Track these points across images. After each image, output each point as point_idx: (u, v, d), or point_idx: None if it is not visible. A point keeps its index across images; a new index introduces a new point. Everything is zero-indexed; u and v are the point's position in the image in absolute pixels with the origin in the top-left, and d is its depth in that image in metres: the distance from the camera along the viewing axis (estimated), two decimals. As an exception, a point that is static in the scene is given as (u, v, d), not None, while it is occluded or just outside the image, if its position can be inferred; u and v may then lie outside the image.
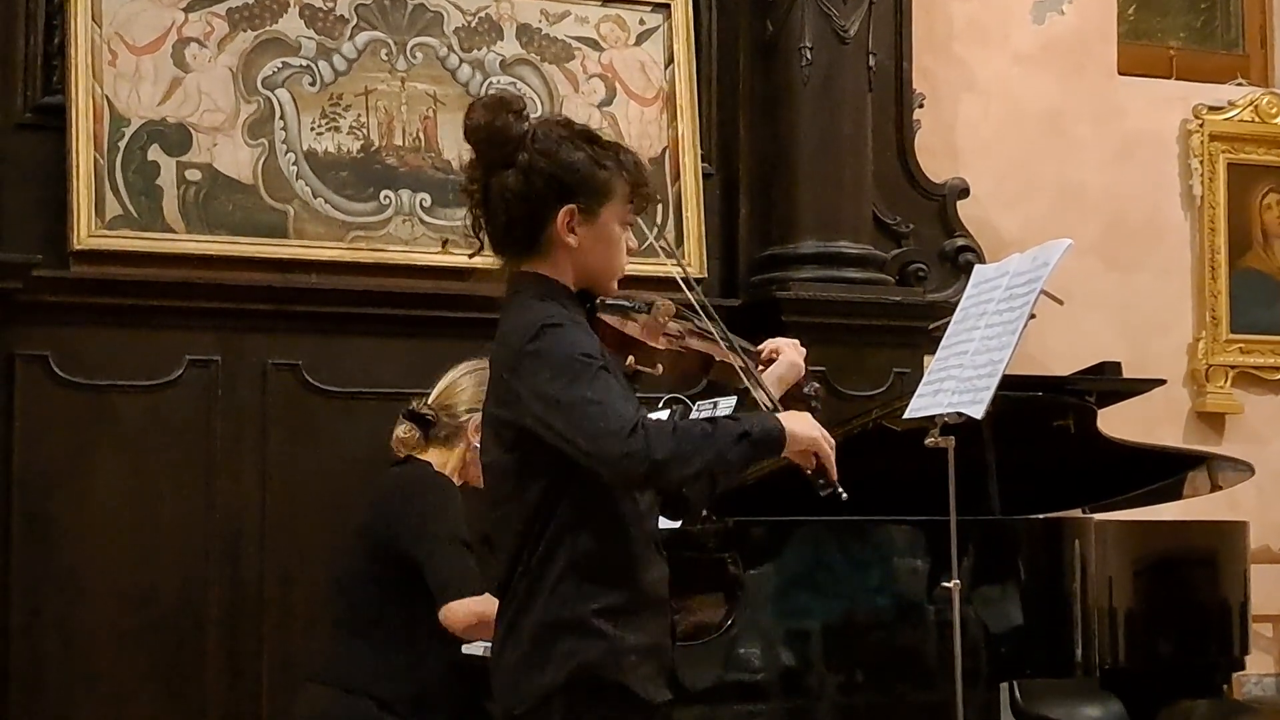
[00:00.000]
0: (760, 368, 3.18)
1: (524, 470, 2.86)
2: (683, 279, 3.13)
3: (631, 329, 2.98)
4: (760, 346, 3.24)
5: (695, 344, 3.10)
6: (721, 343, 3.09)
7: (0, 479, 5.27)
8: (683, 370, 3.10)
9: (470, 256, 3.02)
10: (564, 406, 2.75)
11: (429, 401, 4.08)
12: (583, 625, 2.80)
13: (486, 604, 3.72)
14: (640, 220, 3.05)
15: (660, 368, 3.01)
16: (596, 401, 2.74)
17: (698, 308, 3.11)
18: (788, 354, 3.19)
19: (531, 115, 2.94)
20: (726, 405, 4.24)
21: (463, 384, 4.10)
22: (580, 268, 2.91)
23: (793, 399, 3.24)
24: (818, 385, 3.31)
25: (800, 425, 2.88)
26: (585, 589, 2.82)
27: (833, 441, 2.93)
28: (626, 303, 3.01)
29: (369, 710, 3.80)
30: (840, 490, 2.96)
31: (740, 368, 3.10)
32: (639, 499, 2.93)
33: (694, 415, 4.27)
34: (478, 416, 4.00)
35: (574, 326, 2.85)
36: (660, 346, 3.02)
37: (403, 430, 4.08)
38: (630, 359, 2.94)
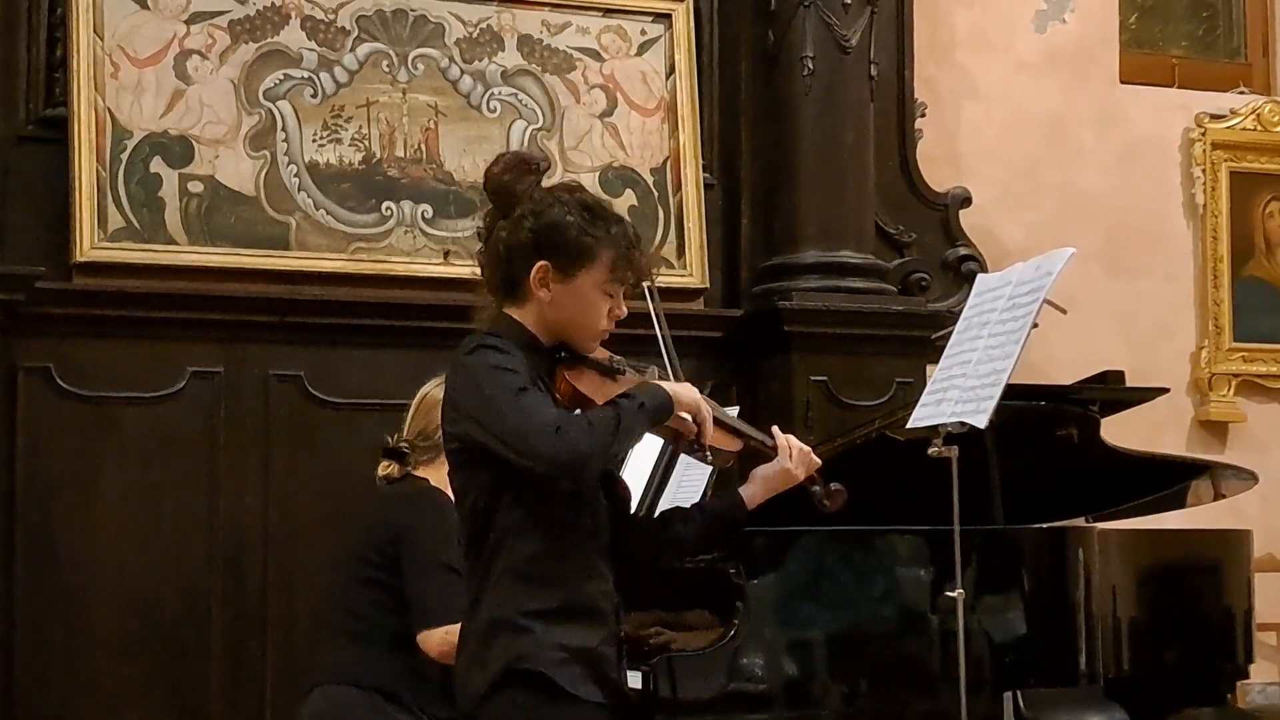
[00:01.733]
0: (749, 453, 3.23)
1: (468, 479, 3.03)
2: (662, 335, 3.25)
3: (591, 387, 3.04)
4: (771, 433, 3.24)
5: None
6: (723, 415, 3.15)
7: (3, 490, 5.28)
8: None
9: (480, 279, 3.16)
10: (492, 406, 2.92)
11: (404, 436, 4.11)
12: (514, 624, 2.96)
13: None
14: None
15: None
16: (517, 404, 2.90)
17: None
18: (785, 462, 3.20)
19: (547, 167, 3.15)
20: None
21: (433, 398, 4.09)
22: (551, 322, 3.06)
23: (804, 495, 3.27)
24: (838, 488, 3.26)
25: (684, 390, 3.07)
26: (520, 590, 2.98)
27: (709, 411, 3.08)
28: (607, 364, 3.09)
29: (378, 704, 3.84)
30: (708, 454, 3.10)
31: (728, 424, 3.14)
32: (586, 513, 3.03)
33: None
34: None
35: (508, 355, 2.98)
36: None
37: (383, 469, 4.11)
38: (577, 412, 3.00)
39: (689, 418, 3.05)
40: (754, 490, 3.20)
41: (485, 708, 2.98)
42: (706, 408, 3.07)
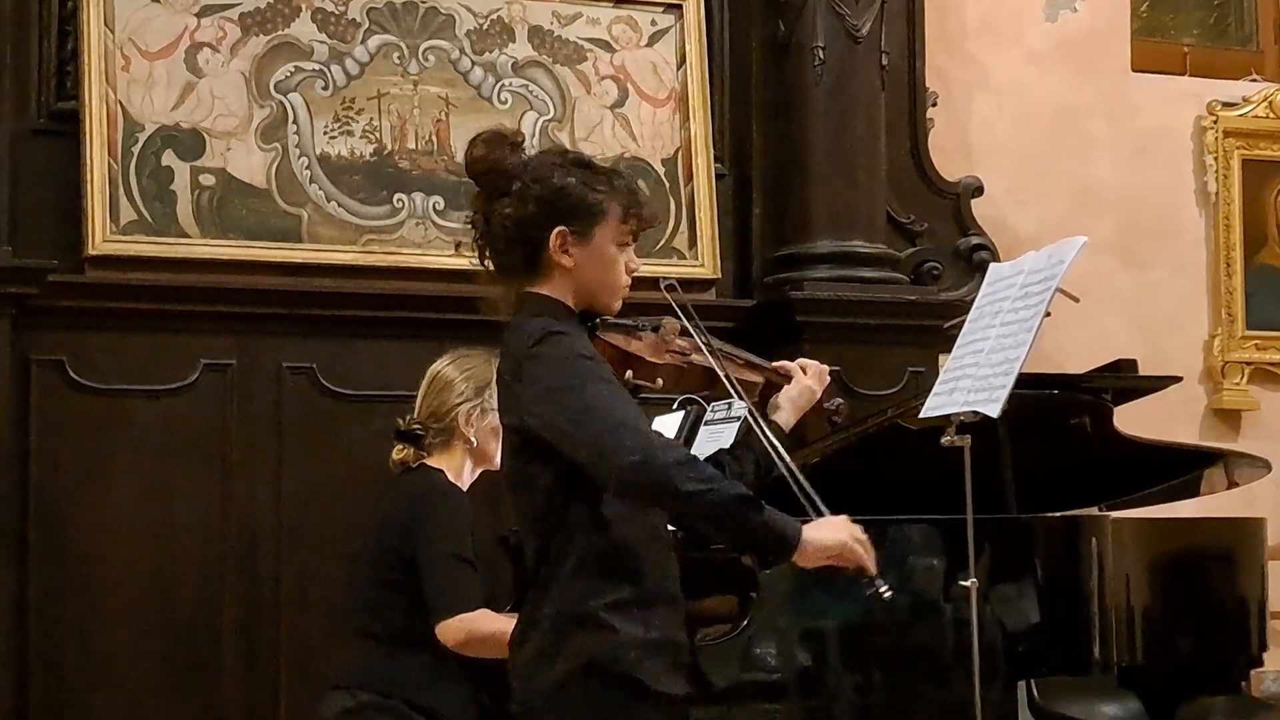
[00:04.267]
0: (768, 385, 3.26)
1: (533, 471, 2.96)
2: (676, 302, 3.21)
3: (633, 346, 3.06)
4: (779, 364, 3.31)
5: (700, 360, 3.15)
6: (717, 360, 3.14)
7: (17, 483, 5.29)
8: (685, 386, 3.15)
9: (484, 269, 3.11)
10: (570, 406, 2.86)
11: (416, 417, 4.09)
12: (592, 619, 2.90)
13: (479, 621, 3.76)
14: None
15: (660, 382, 3.08)
16: (606, 400, 2.84)
17: (687, 327, 3.19)
18: (802, 379, 3.32)
19: (529, 143, 3.15)
20: (740, 407, 4.23)
21: (444, 377, 4.09)
22: (579, 288, 3.03)
23: (816, 415, 3.39)
24: (841, 402, 3.39)
25: (825, 532, 2.95)
26: (595, 584, 2.92)
27: (865, 539, 2.97)
28: (630, 323, 3.11)
29: (405, 714, 3.83)
30: (881, 588, 3.00)
31: (736, 394, 3.17)
32: None
33: (709, 416, 4.27)
34: (467, 406, 4.03)
35: (577, 336, 2.96)
36: (661, 362, 3.08)
37: (396, 452, 4.09)
38: (629, 374, 3.01)
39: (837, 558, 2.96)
40: (785, 415, 3.30)
41: (556, 704, 2.92)
42: (858, 547, 2.96)
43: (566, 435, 2.85)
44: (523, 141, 3.10)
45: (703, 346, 3.17)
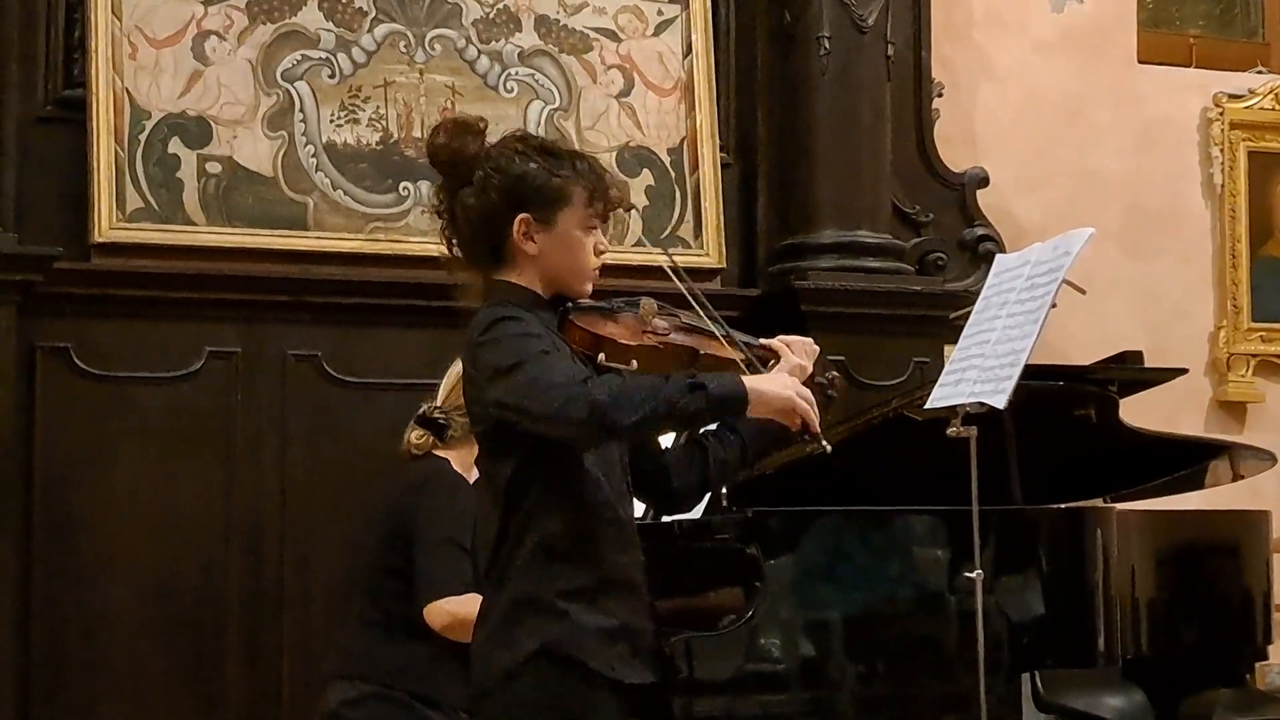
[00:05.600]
0: (752, 365, 3.22)
1: (494, 458, 2.99)
2: (671, 268, 3.19)
3: (605, 328, 3.02)
4: (766, 341, 3.26)
5: (680, 339, 3.10)
6: (713, 327, 3.10)
7: (21, 470, 5.29)
8: (663, 366, 3.08)
9: (454, 256, 3.14)
10: (510, 376, 2.86)
11: (439, 404, 4.08)
12: (546, 605, 2.92)
13: (466, 604, 3.74)
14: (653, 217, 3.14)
15: (635, 364, 3.02)
16: (540, 366, 2.85)
17: (691, 299, 3.14)
18: (790, 358, 3.18)
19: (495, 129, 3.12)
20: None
21: None
22: (546, 274, 3.03)
23: (810, 388, 3.26)
24: (835, 374, 3.32)
25: (769, 384, 2.96)
26: (551, 569, 2.93)
27: (809, 395, 2.98)
28: (606, 305, 3.08)
29: (407, 703, 3.83)
30: (825, 444, 3.01)
31: (723, 336, 3.08)
32: (606, 484, 3.00)
33: None
34: None
35: (523, 321, 2.95)
36: (635, 344, 3.04)
37: (415, 436, 4.08)
38: (601, 356, 2.98)
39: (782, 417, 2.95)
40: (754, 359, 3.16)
41: (508, 688, 2.92)
42: (803, 402, 2.95)
43: (522, 412, 2.86)
44: (485, 129, 3.09)
45: (685, 324, 3.11)
